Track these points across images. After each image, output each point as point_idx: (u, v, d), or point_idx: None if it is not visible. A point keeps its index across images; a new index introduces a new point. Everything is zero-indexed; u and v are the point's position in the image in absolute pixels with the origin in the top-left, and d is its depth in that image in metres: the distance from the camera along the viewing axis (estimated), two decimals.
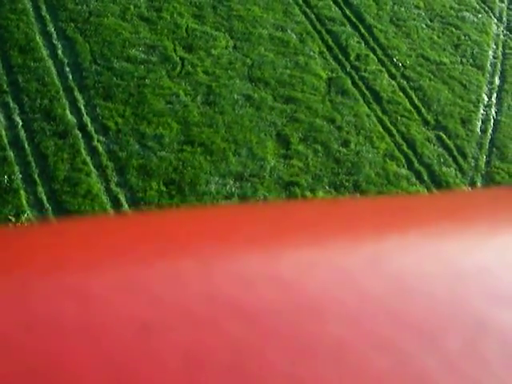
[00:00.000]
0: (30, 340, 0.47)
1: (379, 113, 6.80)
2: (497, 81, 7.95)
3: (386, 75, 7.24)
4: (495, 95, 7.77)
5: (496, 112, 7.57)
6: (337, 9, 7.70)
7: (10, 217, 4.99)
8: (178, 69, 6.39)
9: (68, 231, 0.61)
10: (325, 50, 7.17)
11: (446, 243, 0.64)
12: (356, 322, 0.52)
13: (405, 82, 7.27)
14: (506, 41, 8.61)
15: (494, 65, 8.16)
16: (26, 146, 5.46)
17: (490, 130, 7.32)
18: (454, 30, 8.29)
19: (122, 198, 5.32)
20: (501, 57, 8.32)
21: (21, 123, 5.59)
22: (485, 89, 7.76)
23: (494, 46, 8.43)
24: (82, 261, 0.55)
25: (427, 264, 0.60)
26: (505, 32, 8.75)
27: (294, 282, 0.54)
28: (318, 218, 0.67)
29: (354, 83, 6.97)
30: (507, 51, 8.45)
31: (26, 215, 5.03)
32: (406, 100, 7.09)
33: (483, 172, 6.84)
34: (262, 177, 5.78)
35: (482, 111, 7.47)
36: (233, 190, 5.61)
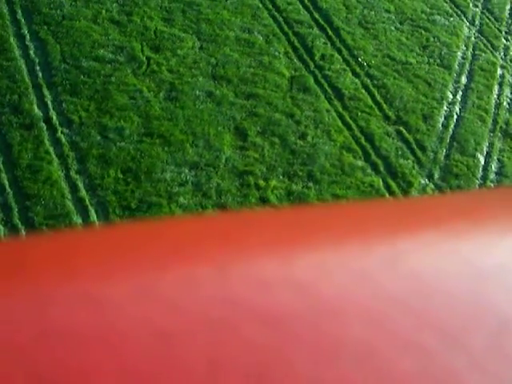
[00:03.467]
0: (47, 350, 0.46)
1: (340, 108, 7.10)
2: (463, 80, 8.21)
3: (350, 74, 7.54)
4: (461, 93, 8.03)
5: (460, 109, 7.82)
6: (306, 12, 8.03)
7: None
8: (144, 67, 6.76)
9: (77, 238, 0.60)
10: (290, 50, 7.49)
11: (464, 242, 0.64)
12: (378, 324, 0.52)
13: (368, 81, 7.56)
14: (476, 43, 8.88)
15: (462, 65, 8.42)
16: None
17: (452, 126, 7.57)
18: (423, 32, 8.58)
19: (80, 184, 5.67)
20: (470, 57, 8.58)
21: None
22: (450, 87, 8.03)
23: (464, 48, 8.70)
24: (95, 267, 0.54)
25: (446, 263, 0.60)
26: (476, 35, 9.01)
27: (312, 285, 0.54)
28: (331, 222, 0.66)
29: (316, 81, 7.28)
30: (477, 52, 8.72)
31: None
32: (368, 97, 7.38)
33: (442, 164, 7.09)
34: (217, 166, 6.10)
35: (445, 108, 7.73)
36: (187, 177, 5.94)
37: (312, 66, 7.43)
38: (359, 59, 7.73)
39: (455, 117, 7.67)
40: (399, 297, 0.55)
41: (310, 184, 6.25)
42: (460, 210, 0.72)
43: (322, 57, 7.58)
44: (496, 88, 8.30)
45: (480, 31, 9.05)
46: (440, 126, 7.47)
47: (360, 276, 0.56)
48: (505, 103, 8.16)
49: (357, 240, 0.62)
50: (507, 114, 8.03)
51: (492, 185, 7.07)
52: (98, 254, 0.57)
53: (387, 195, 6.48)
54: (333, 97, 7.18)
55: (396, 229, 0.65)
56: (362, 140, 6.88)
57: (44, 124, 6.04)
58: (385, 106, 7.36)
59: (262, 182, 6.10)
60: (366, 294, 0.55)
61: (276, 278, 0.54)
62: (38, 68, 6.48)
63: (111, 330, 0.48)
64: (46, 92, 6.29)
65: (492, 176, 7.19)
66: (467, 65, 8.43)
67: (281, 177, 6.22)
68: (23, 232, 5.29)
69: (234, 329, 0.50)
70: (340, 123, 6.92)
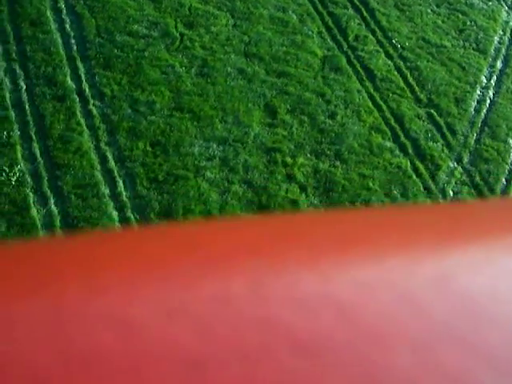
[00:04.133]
0: (69, 372, 0.44)
1: (371, 89, 7.10)
2: (499, 65, 8.15)
3: (383, 55, 7.53)
4: (495, 78, 7.97)
5: (494, 94, 7.77)
6: None
7: (4, 167, 5.49)
8: (177, 43, 6.83)
9: (101, 244, 0.57)
10: (324, 30, 7.50)
11: None
12: (424, 351, 0.49)
13: (401, 63, 7.55)
14: None
15: (498, 50, 8.34)
16: (27, 107, 5.97)
17: (485, 110, 7.53)
18: (460, 15, 8.51)
19: (110, 156, 5.77)
20: (507, 42, 8.50)
21: (24, 87, 6.11)
22: (485, 72, 7.97)
23: (501, 32, 8.61)
24: (119, 281, 0.51)
25: (501, 282, 0.55)
26: None
27: (353, 306, 0.51)
28: (370, 231, 0.62)
29: (349, 62, 7.29)
30: None
31: (18, 167, 5.53)
32: (401, 79, 7.37)
33: (471, 149, 7.06)
34: (245, 142, 6.16)
35: (478, 92, 7.68)
36: (215, 152, 6.01)
37: (345, 46, 7.43)
38: (393, 41, 7.71)
39: (488, 101, 7.62)
40: (447, 320, 0.51)
41: (337, 163, 6.28)
42: (508, 220, 0.67)
43: (356, 38, 7.58)
44: None
45: None
46: (472, 110, 7.43)
47: (404, 295, 0.52)
48: None
49: (399, 252, 0.57)
50: None
51: None
52: (123, 264, 0.53)
53: (414, 177, 6.48)
54: (364, 77, 7.18)
55: (442, 240, 0.60)
56: (392, 121, 6.88)
57: (76, 96, 6.14)
58: (417, 88, 7.34)
59: (289, 160, 6.15)
60: (410, 316, 0.51)
61: (315, 296, 0.51)
62: (73, 41, 6.59)
63: (137, 355, 0.45)
64: (79, 65, 6.39)
65: None
66: (503, 50, 8.35)
67: (308, 155, 6.26)
68: (52, 200, 5.42)
69: (272, 357, 0.47)
70: (370, 104, 6.93)
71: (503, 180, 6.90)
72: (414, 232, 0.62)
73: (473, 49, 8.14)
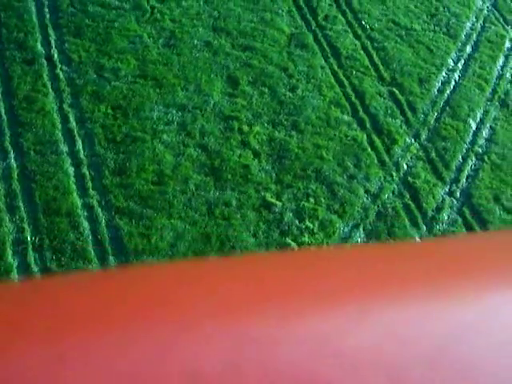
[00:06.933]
0: None
1: (335, 66, 7.35)
2: (468, 49, 8.36)
3: (351, 35, 7.78)
4: (463, 62, 8.18)
5: (459, 76, 7.99)
6: None
7: None
8: (147, 16, 7.12)
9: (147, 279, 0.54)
10: (294, 9, 7.76)
11: None
12: None
13: (368, 43, 7.79)
14: (488, 15, 8.98)
15: (468, 35, 8.56)
16: None
17: (448, 92, 7.75)
18: (433, 1, 8.74)
19: (71, 117, 6.07)
20: (479, 29, 8.71)
21: None
22: (453, 55, 8.19)
23: (474, 19, 8.82)
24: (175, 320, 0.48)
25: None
26: (490, 8, 9.12)
27: (384, 353, 0.48)
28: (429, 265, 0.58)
29: (316, 39, 7.54)
30: (487, 25, 8.83)
31: None
32: (366, 58, 7.61)
33: (430, 126, 7.29)
34: (204, 109, 6.44)
35: (443, 74, 7.90)
36: (174, 118, 6.29)
37: (314, 25, 7.69)
38: (363, 22, 7.95)
39: (453, 83, 7.84)
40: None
41: (293, 133, 6.53)
42: None
43: (325, 17, 7.83)
44: (501, 60, 8.41)
45: (494, 5, 9.15)
46: (435, 90, 7.66)
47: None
48: (508, 75, 8.28)
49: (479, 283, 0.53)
50: (508, 86, 8.16)
51: (480, 150, 7.24)
52: (166, 299, 0.51)
53: (369, 150, 6.72)
54: (330, 55, 7.43)
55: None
56: (353, 97, 7.12)
57: (45, 60, 6.45)
58: (381, 67, 7.58)
59: (245, 127, 6.41)
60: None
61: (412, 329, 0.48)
62: (46, 10, 6.90)
63: None
64: (50, 32, 6.70)
65: (481, 142, 7.35)
66: (474, 35, 8.56)
67: (265, 124, 6.52)
68: (12, 155, 5.72)
69: None
70: (332, 79, 7.18)
71: (459, 158, 7.13)
72: (476, 264, 0.59)
73: (443, 33, 8.36)
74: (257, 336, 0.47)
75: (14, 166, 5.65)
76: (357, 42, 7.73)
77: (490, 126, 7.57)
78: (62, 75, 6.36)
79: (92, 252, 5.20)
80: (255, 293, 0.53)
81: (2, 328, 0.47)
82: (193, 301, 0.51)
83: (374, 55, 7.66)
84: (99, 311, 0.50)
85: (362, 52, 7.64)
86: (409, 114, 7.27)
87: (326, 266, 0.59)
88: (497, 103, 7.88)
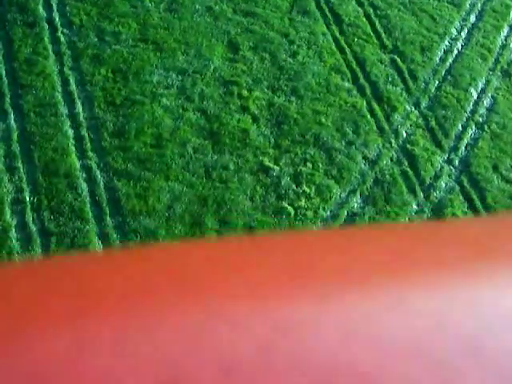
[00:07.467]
0: None
1: (336, 33, 7.35)
2: (472, 18, 8.33)
3: (354, 2, 7.76)
4: (466, 31, 8.16)
5: (462, 45, 7.97)
6: None
7: None
8: None
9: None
10: None
11: None
12: None
13: (371, 10, 7.77)
14: None
15: (473, 4, 8.52)
16: None
17: (450, 60, 7.74)
18: None
19: (72, 80, 6.11)
20: None
21: None
22: (456, 24, 8.16)
23: None
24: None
25: None
26: None
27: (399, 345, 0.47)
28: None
29: (318, 6, 7.53)
30: None
31: None
32: (368, 25, 7.60)
33: (431, 95, 7.29)
34: (204, 74, 6.46)
35: (446, 43, 7.88)
36: (173, 82, 6.32)
37: None
38: None
39: (455, 52, 7.83)
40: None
41: (293, 98, 6.55)
42: None
43: None
44: (505, 30, 8.38)
45: None
46: (437, 59, 7.65)
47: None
48: (511, 45, 8.26)
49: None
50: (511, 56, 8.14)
51: (480, 119, 7.25)
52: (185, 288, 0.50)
53: (369, 117, 6.74)
54: (332, 22, 7.42)
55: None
56: (354, 64, 7.12)
57: (46, 24, 6.48)
58: (383, 35, 7.57)
59: (245, 92, 6.44)
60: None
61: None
62: None
63: None
64: None
65: (482, 111, 7.35)
66: (479, 5, 8.52)
67: (265, 89, 6.54)
68: (12, 116, 5.77)
69: None
70: (334, 46, 7.18)
71: (459, 126, 7.14)
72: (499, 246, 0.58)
73: (447, 2, 8.33)
74: (292, 322, 0.47)
75: (14, 127, 5.69)
76: (360, 9, 7.71)
77: (492, 96, 7.57)
78: (62, 38, 6.39)
79: (90, 213, 5.26)
80: (287, 276, 0.52)
81: (21, 308, 0.47)
82: (223, 285, 0.51)
83: (377, 23, 7.65)
84: (125, 292, 0.49)
85: (364, 19, 7.63)
86: (410, 81, 7.27)
87: (363, 248, 0.59)
88: (499, 73, 7.87)
